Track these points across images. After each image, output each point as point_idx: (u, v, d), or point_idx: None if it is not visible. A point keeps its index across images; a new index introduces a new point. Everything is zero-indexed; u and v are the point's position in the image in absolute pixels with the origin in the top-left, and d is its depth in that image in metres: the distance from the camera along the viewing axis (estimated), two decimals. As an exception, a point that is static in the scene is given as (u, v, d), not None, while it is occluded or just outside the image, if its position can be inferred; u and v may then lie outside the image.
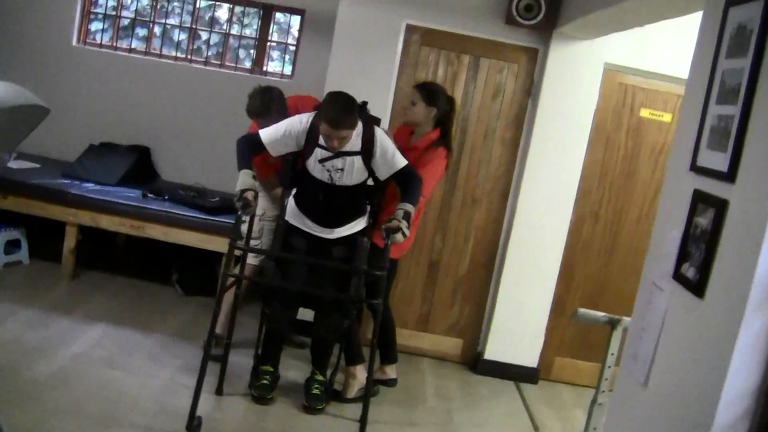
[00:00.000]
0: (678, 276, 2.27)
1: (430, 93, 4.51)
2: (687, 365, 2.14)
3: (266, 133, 4.14)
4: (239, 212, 3.90)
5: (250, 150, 4.11)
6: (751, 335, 1.88)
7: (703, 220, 2.15)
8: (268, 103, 4.58)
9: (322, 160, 4.11)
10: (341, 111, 3.92)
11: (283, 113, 4.51)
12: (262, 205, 4.69)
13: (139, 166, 6.54)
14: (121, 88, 6.77)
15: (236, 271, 4.40)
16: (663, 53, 5.14)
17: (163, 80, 6.82)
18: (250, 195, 3.88)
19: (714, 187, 2.14)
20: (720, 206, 2.07)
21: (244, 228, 4.21)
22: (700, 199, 2.21)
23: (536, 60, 5.32)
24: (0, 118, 2.14)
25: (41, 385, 4.11)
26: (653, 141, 5.32)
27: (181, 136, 6.85)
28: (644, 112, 5.27)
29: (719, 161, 2.12)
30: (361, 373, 4.58)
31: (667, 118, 5.28)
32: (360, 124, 4.08)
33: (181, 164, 6.84)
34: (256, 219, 4.53)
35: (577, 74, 5.18)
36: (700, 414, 1.98)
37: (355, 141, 4.07)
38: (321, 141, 4.07)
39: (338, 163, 4.11)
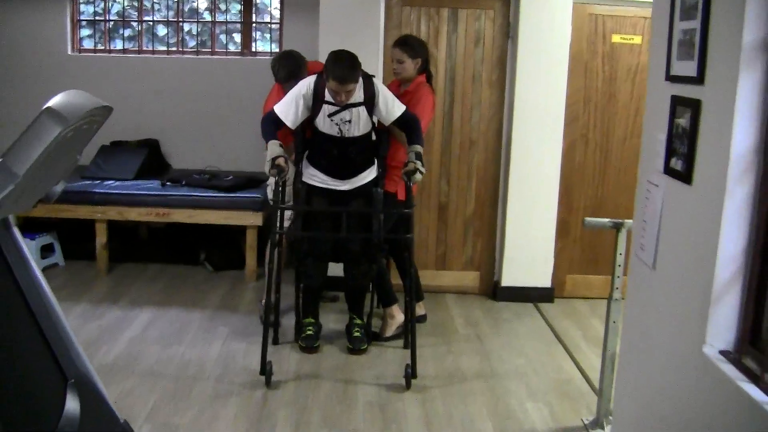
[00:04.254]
0: (669, 170, 2.68)
1: (413, 47, 4.91)
2: (686, 242, 2.56)
3: (280, 109, 4.49)
4: (276, 178, 4.33)
5: (274, 126, 4.47)
6: (735, 204, 2.29)
7: (683, 120, 2.56)
8: (297, 64, 4.94)
9: (330, 114, 4.46)
10: (347, 68, 4.26)
11: (306, 72, 4.85)
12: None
13: (151, 159, 6.89)
14: (121, 87, 7.00)
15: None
16: (626, -21, 5.50)
17: (160, 74, 7.11)
18: (281, 161, 4.29)
19: (687, 91, 2.55)
20: (695, 105, 2.48)
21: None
22: (678, 103, 2.62)
23: (509, 3, 5.68)
24: (80, 123, 2.35)
25: (111, 369, 4.47)
26: (627, 63, 5.70)
27: (185, 125, 7.16)
28: (615, 38, 5.64)
29: (689, 68, 2.52)
30: (397, 311, 5.01)
31: (637, 40, 5.65)
32: (360, 78, 4.42)
33: (189, 151, 7.18)
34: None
35: (548, 11, 5.54)
36: (702, 278, 2.40)
37: (358, 93, 4.43)
38: (327, 98, 4.42)
39: (346, 115, 4.47)
